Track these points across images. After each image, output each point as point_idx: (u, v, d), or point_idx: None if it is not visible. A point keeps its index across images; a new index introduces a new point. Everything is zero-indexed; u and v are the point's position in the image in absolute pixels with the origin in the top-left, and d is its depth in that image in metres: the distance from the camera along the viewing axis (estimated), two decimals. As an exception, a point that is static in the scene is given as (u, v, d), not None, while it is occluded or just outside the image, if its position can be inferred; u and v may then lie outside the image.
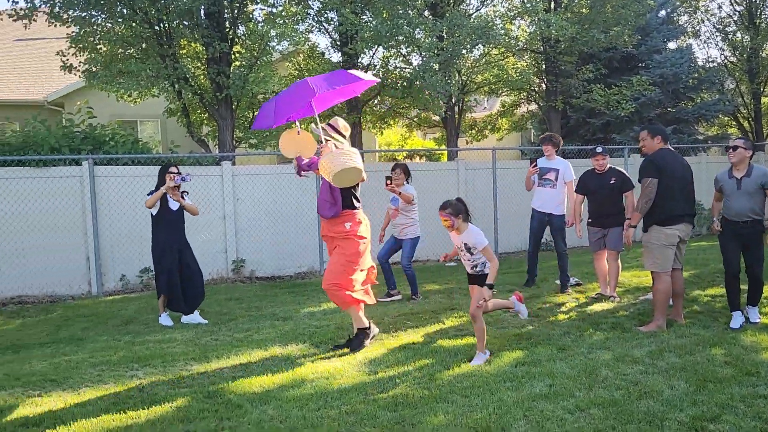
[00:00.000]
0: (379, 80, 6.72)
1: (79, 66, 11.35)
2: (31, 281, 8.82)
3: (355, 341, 5.68)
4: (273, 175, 10.44)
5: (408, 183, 7.70)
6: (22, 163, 8.85)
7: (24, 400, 4.61)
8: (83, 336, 6.57)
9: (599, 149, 7.45)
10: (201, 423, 4.08)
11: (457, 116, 15.46)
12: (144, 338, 6.36)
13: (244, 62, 11.44)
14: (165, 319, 6.97)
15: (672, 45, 18.00)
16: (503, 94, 16.98)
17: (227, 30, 11.24)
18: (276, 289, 9.15)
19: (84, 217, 9.08)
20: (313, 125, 5.69)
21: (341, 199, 5.62)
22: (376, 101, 14.96)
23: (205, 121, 13.29)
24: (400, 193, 7.48)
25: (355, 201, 5.69)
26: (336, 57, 14.11)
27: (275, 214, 10.28)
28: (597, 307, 7.02)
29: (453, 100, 14.68)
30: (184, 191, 7.06)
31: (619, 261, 7.48)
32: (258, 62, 11.30)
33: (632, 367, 4.87)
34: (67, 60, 11.34)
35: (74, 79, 14.12)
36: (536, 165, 8.03)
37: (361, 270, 5.69)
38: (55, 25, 10.86)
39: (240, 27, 11.60)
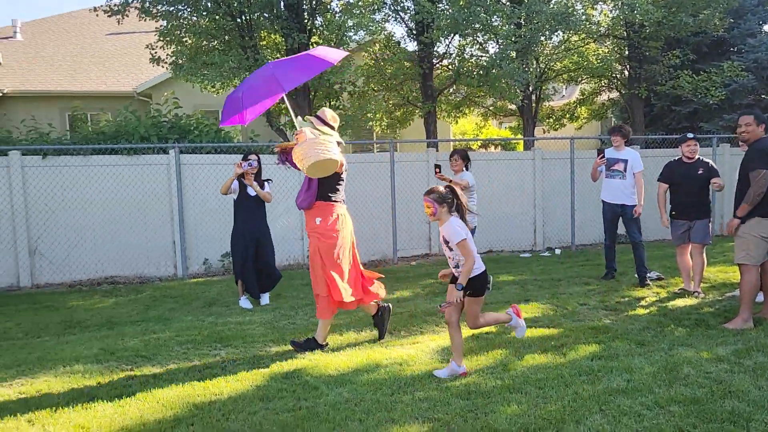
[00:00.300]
0: (348, 53, 6.19)
1: (167, 58, 11.89)
2: (123, 263, 9.38)
3: (306, 344, 5.44)
4: (348, 164, 10.58)
5: (467, 170, 7.59)
6: (115, 151, 9.40)
7: (118, 373, 4.94)
8: (170, 316, 6.94)
9: (690, 135, 7.17)
10: (279, 402, 4.25)
11: (534, 105, 15.15)
12: (226, 319, 6.65)
13: (321, 53, 11.64)
14: (244, 302, 7.26)
15: (768, 27, 16.85)
16: (583, 81, 16.48)
17: (305, 21, 11.47)
18: (350, 275, 9.31)
19: (171, 203, 9.55)
20: (300, 118, 5.46)
21: (317, 189, 5.35)
22: (451, 90, 14.86)
23: (284, 111, 13.63)
24: (450, 180, 7.43)
25: (333, 193, 5.42)
26: (412, 46, 14.11)
27: (348, 202, 10.36)
28: (679, 302, 6.76)
29: (530, 89, 14.39)
30: (268, 179, 7.33)
31: (704, 255, 7.16)
32: (335, 52, 11.46)
33: (716, 365, 4.67)
34: (156, 53, 11.90)
35: (161, 71, 14.80)
36: (604, 156, 7.85)
37: (344, 267, 5.35)
38: (145, 20, 11.42)
39: (318, 18, 11.80)
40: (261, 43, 11.98)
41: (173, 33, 11.38)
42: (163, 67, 12.26)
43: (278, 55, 12.45)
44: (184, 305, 7.46)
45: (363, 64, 13.86)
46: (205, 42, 11.64)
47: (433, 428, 3.75)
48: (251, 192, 7.15)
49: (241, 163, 6.96)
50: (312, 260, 5.37)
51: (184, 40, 11.60)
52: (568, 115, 17.84)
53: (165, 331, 6.23)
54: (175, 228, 9.52)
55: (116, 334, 6.16)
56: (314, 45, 11.89)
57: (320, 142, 5.02)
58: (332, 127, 5.48)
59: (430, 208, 4.62)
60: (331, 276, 5.25)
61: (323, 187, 5.36)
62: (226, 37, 11.43)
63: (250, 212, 7.18)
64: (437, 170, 7.39)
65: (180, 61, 11.51)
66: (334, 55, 5.34)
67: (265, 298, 7.39)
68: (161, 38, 11.59)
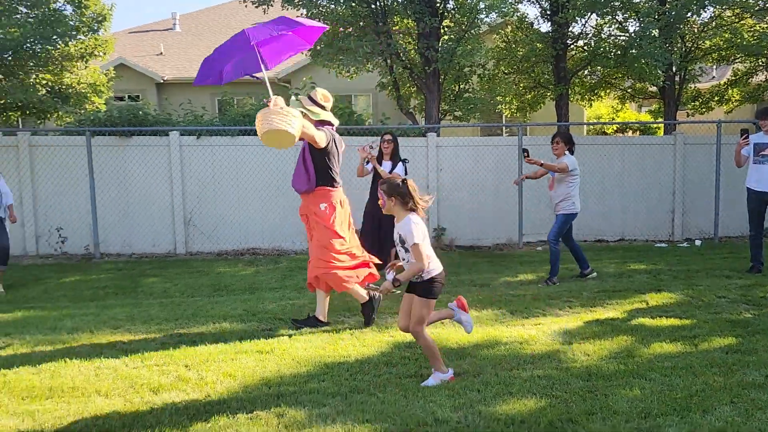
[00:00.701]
0: (327, 27, 5.94)
1: (306, 45, 12.54)
2: (263, 236, 10.13)
3: (366, 315, 5.59)
4: (475, 146, 10.65)
5: (571, 153, 7.26)
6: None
7: (259, 332, 5.46)
8: (304, 285, 7.37)
9: None
10: (403, 368, 4.51)
11: (677, 87, 14.19)
12: (354, 291, 7.04)
13: (452, 36, 11.71)
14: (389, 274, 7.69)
15: None
16: (736, 61, 15.14)
17: (437, 4, 11.58)
18: (474, 258, 9.42)
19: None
20: (293, 98, 5.38)
21: (315, 174, 5.34)
22: (585, 72, 14.32)
23: (414, 94, 13.87)
24: (542, 163, 7.24)
25: (333, 176, 5.41)
26: (545, 27, 13.76)
27: (476, 185, 10.50)
28: (836, 301, 6.18)
29: (673, 69, 13.50)
30: (405, 159, 7.67)
31: None
32: (466, 35, 11.50)
33: None
34: (296, 40, 12.59)
35: (299, 58, 15.62)
36: (747, 137, 7.29)
37: (346, 252, 5.47)
38: (288, 9, 12.11)
39: (449, 1, 11.86)
40: (394, 28, 12.26)
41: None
42: (303, 53, 12.93)
43: (410, 39, 12.68)
44: (317, 277, 7.96)
45: (494, 47, 13.74)
46: (341, 28, 12.12)
47: (550, 404, 3.81)
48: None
49: (364, 147, 7.37)
50: (314, 247, 5.50)
51: (322, 27, 12.16)
52: (717, 98, 16.50)
53: (300, 298, 6.72)
54: (310, 205, 10.11)
55: (257, 298, 6.75)
56: (446, 29, 11.99)
57: (281, 113, 4.73)
58: (322, 107, 5.45)
59: (380, 200, 4.25)
60: (335, 253, 5.41)
61: (322, 171, 5.39)
62: (361, 23, 11.81)
63: (376, 191, 7.56)
64: (526, 154, 7.29)
65: (318, 48, 12.09)
66: (312, 22, 5.37)
67: (390, 275, 7.70)
68: (301, 26, 12.23)
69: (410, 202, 4.15)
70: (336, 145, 5.49)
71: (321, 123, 5.40)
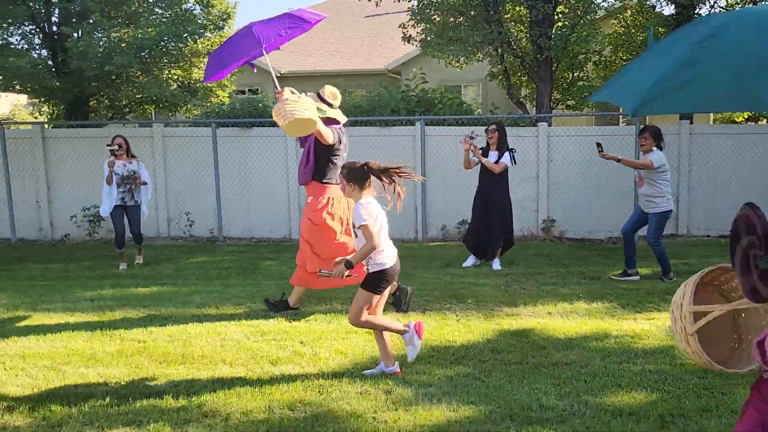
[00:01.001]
0: (327, 16, 5.95)
1: (416, 36, 12.68)
2: (391, 225, 10.43)
3: (277, 304, 5.75)
4: (588, 136, 10.30)
5: (660, 149, 6.74)
6: (369, 123, 10.43)
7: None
8: (412, 272, 7.62)
9: None
10: (508, 355, 4.55)
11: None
12: (460, 279, 7.13)
13: (566, 22, 11.39)
14: (468, 261, 7.89)
15: None
16: None
17: (551, -9, 11.30)
18: (585, 250, 9.18)
19: (415, 172, 10.29)
20: (303, 95, 5.38)
21: (314, 168, 5.42)
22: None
23: (524, 83, 13.63)
24: (619, 159, 6.83)
25: (329, 173, 5.44)
26: (668, 10, 13.02)
27: (588, 177, 10.19)
28: None
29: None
30: (513, 148, 7.64)
31: None
32: (581, 21, 11.14)
33: None
34: (407, 32, 12.76)
35: (409, 49, 15.77)
36: None
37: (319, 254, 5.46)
38: (399, 1, 12.30)
39: (564, -14, 11.54)
40: (505, 16, 12.11)
41: (423, 11, 12.07)
42: (413, 44, 13.09)
43: (521, 27, 12.47)
44: (424, 264, 8.12)
45: (611, 32, 13.20)
46: (452, 18, 12.14)
47: (661, 398, 3.73)
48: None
49: (465, 139, 7.44)
50: (300, 234, 5.70)
51: (433, 17, 12.24)
52: None
53: (407, 284, 6.89)
54: (417, 195, 10.27)
55: (366, 283, 7.01)
56: (559, 15, 11.68)
57: (298, 101, 4.97)
58: (330, 104, 5.56)
59: (340, 185, 4.28)
60: (311, 252, 5.50)
61: (320, 166, 5.47)
62: (472, 13, 11.77)
63: (483, 181, 7.70)
64: (599, 149, 6.94)
65: (428, 39, 12.19)
66: (316, 16, 5.61)
67: (496, 264, 7.72)
68: (412, 17, 12.37)
69: (368, 187, 4.17)
70: (342, 144, 5.67)
71: (328, 121, 5.55)
